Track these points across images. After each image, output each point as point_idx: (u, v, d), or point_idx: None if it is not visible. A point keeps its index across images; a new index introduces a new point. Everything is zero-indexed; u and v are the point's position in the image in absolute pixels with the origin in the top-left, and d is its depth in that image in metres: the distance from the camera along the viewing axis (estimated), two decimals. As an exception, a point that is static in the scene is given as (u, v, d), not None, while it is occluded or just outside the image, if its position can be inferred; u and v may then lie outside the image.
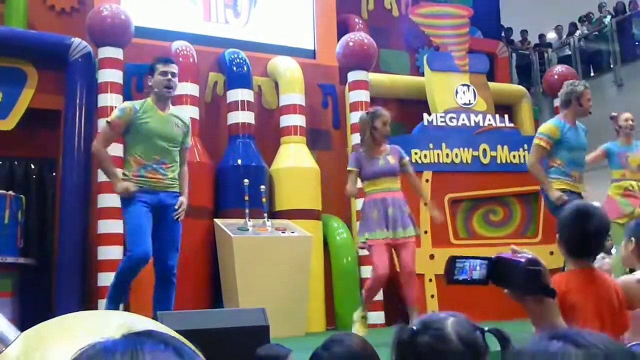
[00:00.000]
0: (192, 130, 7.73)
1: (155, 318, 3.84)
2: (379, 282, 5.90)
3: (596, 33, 14.04)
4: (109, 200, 7.33)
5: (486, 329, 1.67)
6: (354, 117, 8.66)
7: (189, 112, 7.83)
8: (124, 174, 5.38)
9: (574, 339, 1.00)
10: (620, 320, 2.83)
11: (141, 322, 2.95)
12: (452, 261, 1.62)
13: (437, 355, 1.61)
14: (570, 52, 13.92)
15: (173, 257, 5.45)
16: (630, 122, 7.41)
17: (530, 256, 1.61)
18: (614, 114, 7.73)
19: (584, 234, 2.79)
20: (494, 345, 1.60)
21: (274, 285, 6.89)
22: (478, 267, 1.60)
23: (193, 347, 0.93)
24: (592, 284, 2.77)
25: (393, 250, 6.01)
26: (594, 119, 12.06)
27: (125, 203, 5.38)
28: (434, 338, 1.62)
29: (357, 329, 5.90)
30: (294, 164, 8.20)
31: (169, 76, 5.44)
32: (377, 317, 7.90)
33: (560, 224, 2.92)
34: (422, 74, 9.74)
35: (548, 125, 6.31)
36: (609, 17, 13.85)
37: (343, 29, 9.52)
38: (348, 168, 6.09)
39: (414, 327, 1.68)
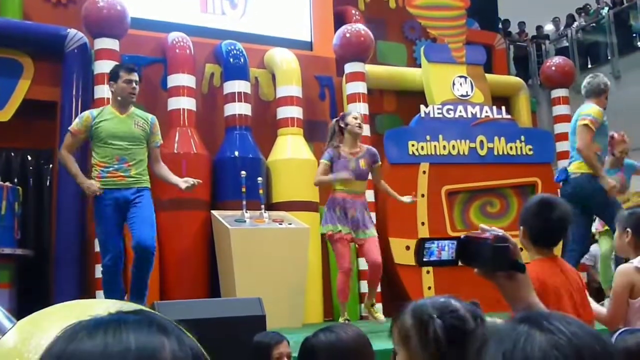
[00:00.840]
0: (189, 122, 7.81)
1: (152, 307, 3.84)
2: (347, 277, 6.10)
3: (594, 25, 14.03)
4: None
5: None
6: (351, 109, 8.65)
7: (186, 104, 7.87)
8: (91, 179, 5.64)
9: (540, 322, 0.99)
10: (589, 308, 2.90)
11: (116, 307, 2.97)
12: (421, 243, 1.64)
13: (461, 335, 1.60)
14: (567, 44, 13.91)
15: (149, 236, 5.51)
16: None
17: (498, 233, 1.61)
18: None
19: (548, 224, 2.88)
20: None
21: (271, 276, 6.90)
22: (447, 248, 1.61)
23: (184, 330, 0.94)
24: (562, 272, 2.84)
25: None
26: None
27: (94, 206, 5.68)
28: (456, 320, 1.62)
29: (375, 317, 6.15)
30: (291, 155, 8.20)
31: (133, 84, 5.70)
32: (378, 308, 7.90)
33: (524, 215, 3.02)
34: (419, 66, 9.73)
35: (594, 108, 6.29)
36: (606, 8, 13.84)
37: (340, 20, 9.51)
38: (321, 160, 6.23)
39: (430, 314, 1.66)
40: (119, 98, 5.69)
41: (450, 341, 1.63)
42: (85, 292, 7.22)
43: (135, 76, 5.72)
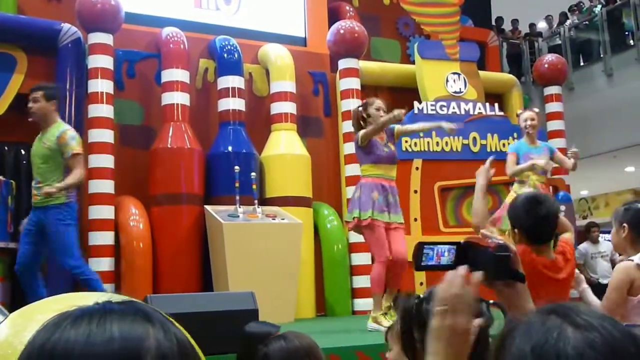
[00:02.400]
0: (183, 117, 7.82)
1: (145, 300, 3.86)
2: (385, 268, 5.72)
3: (586, 22, 14.06)
4: (100, 186, 7.36)
5: (491, 301, 1.72)
6: (345, 105, 8.69)
7: (180, 99, 7.88)
8: None
9: (571, 317, 0.93)
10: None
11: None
12: (420, 247, 1.61)
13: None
14: (560, 42, 13.95)
15: (63, 261, 5.87)
16: (530, 122, 6.85)
17: (499, 242, 1.61)
18: (519, 111, 7.34)
19: (537, 220, 2.99)
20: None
21: (264, 271, 6.92)
22: (446, 253, 1.59)
23: (172, 320, 0.94)
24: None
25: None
26: (583, 109, 12.21)
27: None
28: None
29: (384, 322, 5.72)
30: (285, 151, 8.22)
31: (30, 103, 5.91)
32: (367, 303, 7.93)
33: (513, 216, 3.14)
34: (413, 62, 9.75)
35: None
36: (599, 6, 13.87)
37: (334, 16, 9.51)
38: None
39: (421, 295, 1.75)
40: None
41: (426, 323, 1.68)
42: (78, 285, 7.22)
43: (31, 94, 5.95)
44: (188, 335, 0.97)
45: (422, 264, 1.60)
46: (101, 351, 0.84)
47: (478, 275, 1.45)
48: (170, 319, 0.94)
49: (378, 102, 6.03)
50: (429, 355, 1.35)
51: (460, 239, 1.70)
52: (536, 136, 6.92)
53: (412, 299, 1.77)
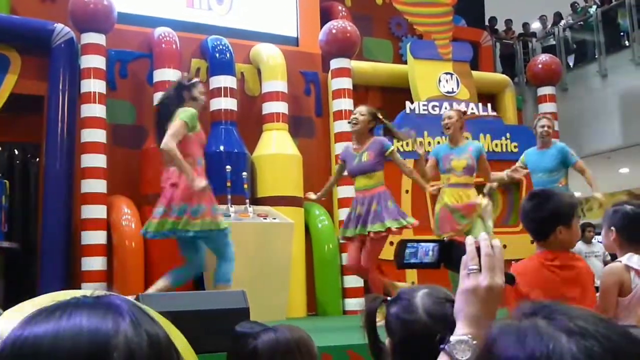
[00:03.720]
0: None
1: (136, 299, 3.87)
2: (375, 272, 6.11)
3: (581, 23, 14.06)
4: (93, 185, 7.37)
5: None
6: (337, 105, 8.71)
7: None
8: None
9: (565, 324, 0.86)
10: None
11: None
12: (402, 245, 1.59)
13: (403, 324, 1.69)
14: (554, 42, 13.95)
15: None
16: (447, 121, 6.61)
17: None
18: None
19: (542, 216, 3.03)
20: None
21: (255, 270, 6.93)
22: (430, 251, 1.58)
23: (153, 317, 0.94)
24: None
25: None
26: (578, 109, 12.21)
27: None
28: (401, 308, 1.71)
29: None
30: (276, 150, 8.23)
31: None
32: (357, 303, 7.96)
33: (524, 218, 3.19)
34: (405, 62, 9.76)
35: None
36: (594, 6, 13.87)
37: (326, 16, 9.53)
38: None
39: (388, 298, 1.77)
40: None
41: (389, 325, 1.72)
42: (71, 284, 7.25)
43: None
44: (177, 333, 0.95)
45: (405, 261, 1.59)
46: (69, 346, 0.84)
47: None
48: (150, 314, 0.94)
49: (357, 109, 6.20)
50: (462, 320, 1.34)
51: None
52: (460, 135, 6.67)
53: (377, 301, 1.79)
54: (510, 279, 1.49)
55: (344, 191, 7.94)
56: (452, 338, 1.32)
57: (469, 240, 1.40)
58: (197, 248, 5.66)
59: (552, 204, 3.12)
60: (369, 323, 1.77)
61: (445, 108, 9.14)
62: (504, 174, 6.77)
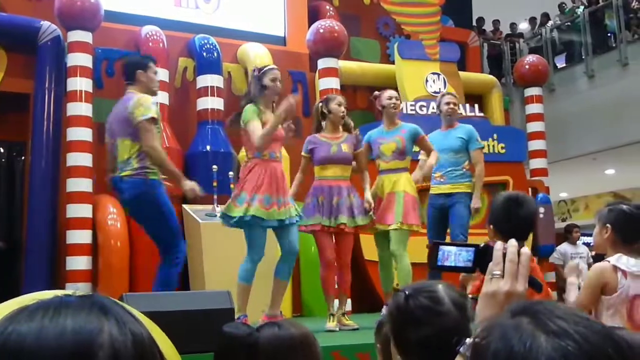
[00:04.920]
0: (162, 116, 7.79)
1: (120, 299, 3.85)
2: (325, 270, 5.93)
3: (569, 23, 14.10)
4: (78, 184, 7.34)
5: (471, 296, 1.73)
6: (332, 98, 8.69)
7: (158, 98, 7.83)
8: None
9: (543, 322, 0.90)
10: None
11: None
12: (435, 247, 1.61)
13: (433, 315, 1.70)
14: (541, 43, 13.98)
15: None
16: (395, 101, 6.16)
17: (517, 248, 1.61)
18: (376, 93, 6.42)
19: (516, 220, 3.07)
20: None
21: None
22: (466, 255, 1.59)
23: (136, 316, 0.93)
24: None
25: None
26: (565, 110, 12.25)
27: None
28: (428, 300, 1.72)
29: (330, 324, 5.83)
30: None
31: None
32: (347, 304, 7.94)
33: (492, 213, 3.23)
34: (393, 62, 9.77)
35: None
36: (581, 7, 13.91)
37: (314, 16, 9.52)
38: (302, 153, 6.02)
39: (407, 292, 1.76)
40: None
41: (417, 319, 1.71)
42: (56, 284, 7.21)
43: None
44: (160, 333, 0.95)
45: (440, 263, 1.60)
46: (53, 345, 0.83)
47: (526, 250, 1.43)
48: (133, 313, 0.93)
49: (340, 98, 5.96)
50: (479, 323, 1.36)
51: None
52: (396, 117, 6.23)
53: (399, 296, 1.77)
54: (536, 286, 1.54)
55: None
56: (469, 340, 1.33)
57: (497, 246, 1.42)
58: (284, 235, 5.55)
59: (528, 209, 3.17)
60: (399, 318, 1.76)
61: (433, 108, 9.16)
62: (419, 176, 6.16)
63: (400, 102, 6.41)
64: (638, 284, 3.26)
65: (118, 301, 0.94)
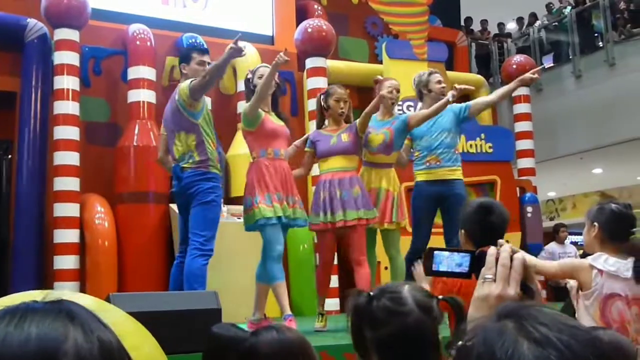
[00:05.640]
0: (149, 115, 7.82)
1: (107, 299, 3.83)
2: (322, 270, 5.83)
3: (556, 24, 14.15)
4: (65, 183, 7.30)
5: (440, 297, 1.73)
6: (312, 104, 8.65)
7: (146, 96, 7.84)
8: None
9: (528, 330, 0.88)
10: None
11: (79, 299, 2.94)
12: (430, 253, 1.61)
13: (394, 317, 1.68)
14: (529, 43, 14.03)
15: None
16: (395, 94, 5.97)
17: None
18: (379, 77, 6.34)
19: (487, 226, 3.11)
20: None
21: (229, 270, 6.90)
22: (461, 261, 1.59)
23: (102, 322, 0.92)
24: None
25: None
26: (552, 110, 12.30)
27: None
28: (390, 301, 1.70)
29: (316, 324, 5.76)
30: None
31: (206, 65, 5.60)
32: (333, 303, 7.94)
33: (463, 218, 3.26)
34: (381, 62, 9.77)
35: None
36: (569, 7, 13.96)
37: (302, 15, 9.51)
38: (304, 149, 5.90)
39: (371, 293, 1.75)
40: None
41: (376, 320, 1.70)
42: (44, 283, 7.19)
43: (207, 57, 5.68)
44: (146, 334, 0.94)
45: (435, 269, 1.60)
46: (17, 352, 0.82)
47: (520, 255, 1.44)
48: (102, 320, 0.92)
49: (339, 93, 5.73)
50: (469, 324, 1.35)
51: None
52: (393, 108, 6.09)
53: (362, 297, 1.76)
54: (528, 291, 1.52)
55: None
56: (460, 343, 1.33)
57: (491, 251, 1.43)
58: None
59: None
60: (357, 318, 1.75)
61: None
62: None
63: (399, 94, 6.13)
64: (613, 284, 3.30)
65: (86, 307, 0.92)
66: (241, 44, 5.33)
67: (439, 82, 6.05)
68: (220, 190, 5.53)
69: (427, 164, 6.01)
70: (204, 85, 5.27)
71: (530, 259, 3.43)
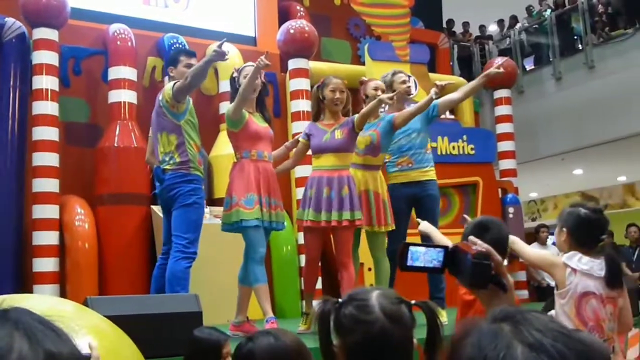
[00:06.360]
0: (130, 115, 7.76)
1: (85, 302, 3.78)
2: (308, 267, 5.78)
3: (536, 26, 14.24)
4: (44, 184, 7.21)
5: (413, 302, 1.72)
6: (294, 106, 8.65)
7: (127, 97, 7.76)
8: None
9: (523, 335, 0.89)
10: None
11: (60, 303, 2.89)
12: (405, 248, 1.62)
13: (360, 325, 1.66)
14: (510, 45, 14.10)
15: None
16: (380, 93, 5.85)
17: (482, 249, 1.59)
18: (363, 78, 6.36)
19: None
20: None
21: (212, 272, 6.86)
22: (435, 256, 1.60)
23: (56, 330, 0.90)
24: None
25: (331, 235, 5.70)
26: (533, 112, 12.36)
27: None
28: (356, 309, 1.68)
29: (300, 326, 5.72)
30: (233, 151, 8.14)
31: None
32: (317, 305, 7.90)
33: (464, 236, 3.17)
34: (364, 64, 9.75)
35: None
36: (549, 10, 14.05)
37: (284, 16, 9.48)
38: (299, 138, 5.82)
39: (340, 300, 1.74)
40: None
41: (344, 327, 1.70)
42: (23, 285, 7.10)
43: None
44: (124, 338, 0.93)
45: (408, 264, 1.61)
46: None
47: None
48: (59, 330, 0.90)
49: (335, 82, 5.66)
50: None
51: (411, 240, 1.71)
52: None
53: (328, 304, 1.75)
54: (502, 286, 1.57)
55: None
56: (453, 341, 1.34)
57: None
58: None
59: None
60: (323, 325, 1.75)
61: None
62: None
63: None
64: (586, 282, 3.33)
65: (42, 317, 0.91)
66: (226, 47, 5.31)
67: (403, 82, 6.06)
68: (202, 192, 5.59)
69: (399, 166, 6.05)
70: (186, 87, 5.32)
71: (513, 238, 3.47)
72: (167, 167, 5.42)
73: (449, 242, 3.21)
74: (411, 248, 1.62)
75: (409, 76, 6.25)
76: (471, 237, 1.66)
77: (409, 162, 6.02)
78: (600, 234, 3.41)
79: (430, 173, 6.09)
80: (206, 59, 5.32)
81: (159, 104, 5.48)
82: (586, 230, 3.42)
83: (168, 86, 5.45)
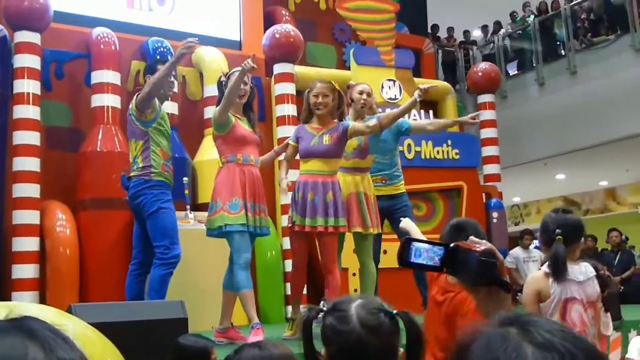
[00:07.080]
0: (113, 119, 7.69)
1: (69, 310, 3.71)
2: (295, 272, 5.75)
3: (520, 32, 14.31)
4: (25, 189, 7.12)
5: (394, 312, 1.74)
6: (280, 110, 8.62)
7: (110, 101, 7.69)
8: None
9: (533, 335, 0.89)
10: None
11: (31, 311, 2.83)
12: (407, 243, 1.59)
13: (338, 335, 1.71)
14: (494, 51, 14.15)
15: None
16: (365, 97, 5.97)
17: (487, 247, 1.57)
18: (351, 82, 6.43)
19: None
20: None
21: (196, 278, 6.80)
22: (434, 253, 1.58)
23: (66, 339, 0.88)
24: None
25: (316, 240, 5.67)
26: (516, 117, 12.40)
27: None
28: (336, 319, 1.73)
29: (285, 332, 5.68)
30: (218, 156, 8.08)
31: None
32: (301, 311, 7.86)
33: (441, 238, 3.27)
34: (349, 68, 9.73)
35: None
36: (532, 16, 14.13)
37: (269, 20, 9.45)
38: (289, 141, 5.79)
39: (324, 308, 1.79)
40: None
41: (326, 337, 1.74)
42: (1, 292, 7.00)
43: None
44: (109, 345, 0.90)
45: (409, 260, 1.59)
46: None
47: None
48: (69, 338, 0.89)
49: (317, 87, 5.62)
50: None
51: (395, 246, 1.68)
52: (364, 113, 6.06)
53: (312, 313, 1.80)
54: (504, 285, 1.56)
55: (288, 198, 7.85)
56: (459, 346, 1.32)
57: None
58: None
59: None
60: (306, 333, 1.78)
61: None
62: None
63: (372, 99, 6.16)
64: (568, 288, 3.41)
65: (52, 325, 0.91)
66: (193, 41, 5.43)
67: (361, 92, 6.04)
68: (166, 195, 5.55)
69: (374, 182, 6.13)
70: (146, 98, 5.47)
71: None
72: (132, 173, 5.52)
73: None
74: (414, 244, 1.60)
75: (370, 92, 6.20)
76: (472, 237, 1.63)
77: (382, 179, 6.28)
78: (554, 229, 3.48)
79: (400, 187, 6.39)
80: (166, 65, 5.50)
81: (129, 112, 5.63)
82: (544, 229, 3.55)
83: (136, 96, 5.60)
